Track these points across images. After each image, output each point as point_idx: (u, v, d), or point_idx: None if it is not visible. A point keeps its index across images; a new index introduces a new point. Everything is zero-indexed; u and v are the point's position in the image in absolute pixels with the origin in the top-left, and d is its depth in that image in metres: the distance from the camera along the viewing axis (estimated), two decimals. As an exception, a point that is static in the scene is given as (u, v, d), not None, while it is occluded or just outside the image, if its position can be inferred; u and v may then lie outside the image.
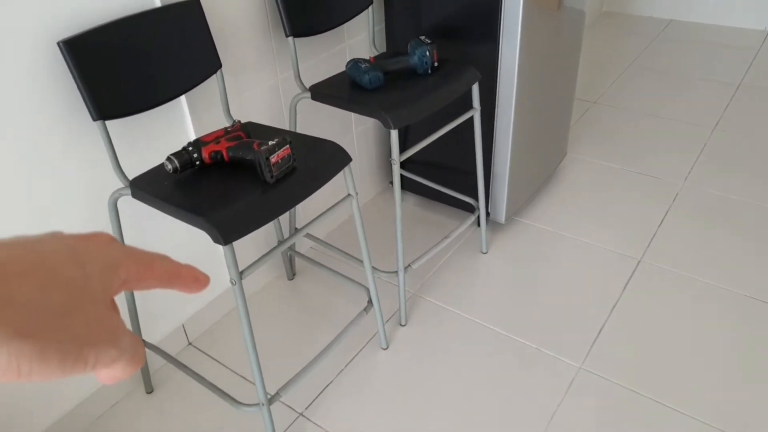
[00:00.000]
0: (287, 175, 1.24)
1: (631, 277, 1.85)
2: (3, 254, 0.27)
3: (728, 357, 1.57)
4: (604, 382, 1.53)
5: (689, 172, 2.32)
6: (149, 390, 1.60)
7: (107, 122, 1.25)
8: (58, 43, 1.15)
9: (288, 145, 1.24)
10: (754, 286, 1.78)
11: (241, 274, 1.18)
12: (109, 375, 0.31)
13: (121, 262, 0.32)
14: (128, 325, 1.54)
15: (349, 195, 1.39)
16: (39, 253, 0.28)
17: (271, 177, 1.21)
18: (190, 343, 1.73)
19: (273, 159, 1.21)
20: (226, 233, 1.10)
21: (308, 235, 1.87)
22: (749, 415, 1.43)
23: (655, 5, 3.78)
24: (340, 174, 1.34)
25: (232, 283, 1.17)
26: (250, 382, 1.60)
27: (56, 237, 0.30)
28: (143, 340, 1.54)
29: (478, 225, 2.01)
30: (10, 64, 1.14)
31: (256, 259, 1.25)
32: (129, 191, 1.28)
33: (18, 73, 1.16)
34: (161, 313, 1.63)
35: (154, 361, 1.64)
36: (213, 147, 1.28)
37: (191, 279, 0.36)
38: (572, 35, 2.01)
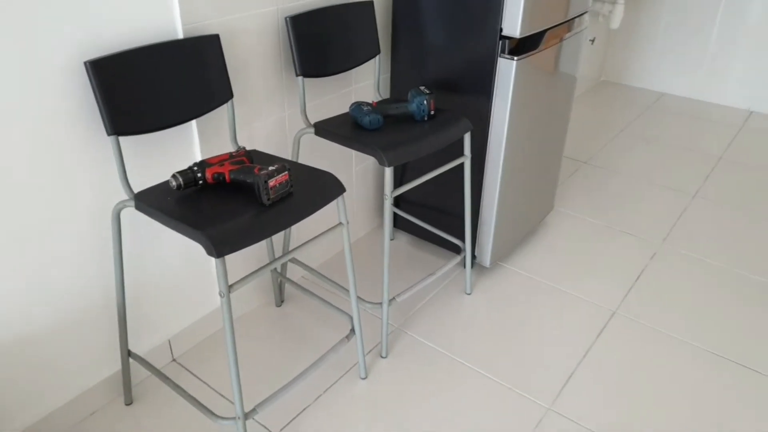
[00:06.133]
0: (283, 199, 1.33)
1: (604, 327, 1.92)
2: None
3: (692, 411, 1.63)
4: (572, 424, 1.58)
5: (668, 234, 2.41)
6: (128, 401, 1.64)
7: (120, 138, 1.34)
8: (84, 63, 1.26)
9: (287, 172, 1.33)
10: (723, 345, 1.85)
11: (230, 287, 1.25)
12: None
13: None
14: (116, 335, 1.59)
15: (340, 223, 1.48)
16: None
17: (268, 199, 1.30)
18: (174, 359, 1.78)
19: (271, 183, 1.30)
20: (219, 247, 1.18)
21: (297, 261, 1.94)
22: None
23: (649, 78, 3.96)
24: (336, 205, 1.43)
25: (221, 295, 1.24)
26: (229, 400, 1.64)
27: None
28: (129, 350, 1.59)
29: (465, 266, 2.08)
30: (41, 77, 1.25)
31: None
32: (133, 203, 1.36)
33: (46, 85, 1.26)
34: (149, 326, 1.69)
35: (137, 373, 1.69)
36: (217, 169, 1.37)
37: None
38: (563, 98, 2.14)
